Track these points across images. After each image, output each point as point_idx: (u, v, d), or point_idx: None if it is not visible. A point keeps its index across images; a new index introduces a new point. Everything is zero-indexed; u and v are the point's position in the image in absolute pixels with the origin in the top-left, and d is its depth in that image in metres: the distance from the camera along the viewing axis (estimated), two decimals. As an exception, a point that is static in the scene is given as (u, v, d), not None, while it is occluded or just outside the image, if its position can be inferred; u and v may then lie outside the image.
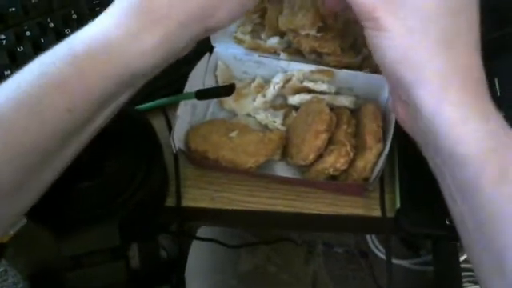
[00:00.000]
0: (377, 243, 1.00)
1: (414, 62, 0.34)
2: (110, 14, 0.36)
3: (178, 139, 0.49)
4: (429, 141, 0.36)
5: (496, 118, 0.34)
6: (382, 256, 0.98)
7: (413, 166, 0.46)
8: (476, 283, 0.60)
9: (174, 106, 0.50)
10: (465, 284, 0.67)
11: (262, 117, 0.54)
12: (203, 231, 0.75)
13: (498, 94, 0.48)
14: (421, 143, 0.38)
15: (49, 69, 0.33)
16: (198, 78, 0.53)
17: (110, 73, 0.34)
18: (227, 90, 0.50)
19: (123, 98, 0.37)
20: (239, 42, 0.57)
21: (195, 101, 0.52)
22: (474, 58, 0.35)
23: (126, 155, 0.42)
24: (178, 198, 0.50)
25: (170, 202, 0.50)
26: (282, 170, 0.51)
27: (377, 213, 0.48)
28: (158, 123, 0.51)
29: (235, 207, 0.50)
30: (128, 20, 0.35)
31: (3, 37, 0.57)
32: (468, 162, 0.33)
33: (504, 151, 0.33)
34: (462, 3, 0.35)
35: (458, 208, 0.36)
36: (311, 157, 0.48)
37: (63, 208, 0.41)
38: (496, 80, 0.49)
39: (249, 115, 0.55)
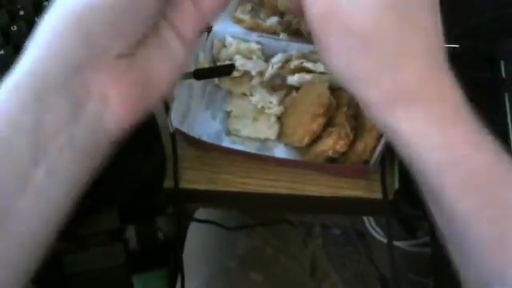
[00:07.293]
0: (373, 224, 1.01)
1: (359, 82, 0.33)
2: None
3: (175, 120, 0.48)
4: None
5: (457, 128, 0.32)
6: (379, 237, 0.98)
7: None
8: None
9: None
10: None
11: (257, 99, 0.52)
12: (201, 213, 0.74)
13: (504, 75, 0.48)
14: None
15: None
16: (195, 58, 0.52)
17: None
18: (227, 69, 0.49)
19: None
20: (238, 21, 0.56)
21: (192, 81, 0.51)
22: (426, 71, 0.32)
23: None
24: (176, 179, 0.50)
25: (168, 183, 0.50)
26: (281, 151, 0.51)
27: (378, 195, 0.48)
28: (155, 104, 0.51)
29: (234, 189, 0.50)
30: None
31: (-4, 16, 0.55)
32: (426, 175, 0.32)
33: (460, 163, 0.31)
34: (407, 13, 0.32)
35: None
36: (306, 140, 0.48)
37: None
38: (502, 62, 0.48)
39: (244, 94, 0.54)
